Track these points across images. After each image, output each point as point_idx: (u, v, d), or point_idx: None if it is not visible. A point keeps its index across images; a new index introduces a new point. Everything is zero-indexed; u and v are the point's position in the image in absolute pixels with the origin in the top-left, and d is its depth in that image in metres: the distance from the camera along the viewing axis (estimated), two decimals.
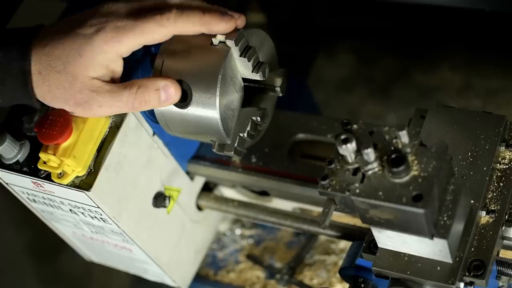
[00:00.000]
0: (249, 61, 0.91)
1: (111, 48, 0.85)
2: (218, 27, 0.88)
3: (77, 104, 0.87)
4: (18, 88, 0.87)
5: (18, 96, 0.89)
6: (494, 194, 0.87)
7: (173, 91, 0.88)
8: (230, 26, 0.88)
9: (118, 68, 0.88)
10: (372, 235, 0.84)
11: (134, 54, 0.92)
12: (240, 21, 0.90)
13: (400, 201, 0.75)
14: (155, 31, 0.86)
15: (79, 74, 0.85)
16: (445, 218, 0.78)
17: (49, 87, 0.87)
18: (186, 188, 1.13)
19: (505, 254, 0.91)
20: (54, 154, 0.91)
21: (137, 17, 0.86)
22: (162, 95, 0.88)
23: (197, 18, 0.87)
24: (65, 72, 0.85)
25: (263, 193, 1.18)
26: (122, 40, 0.85)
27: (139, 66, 0.96)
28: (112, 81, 0.88)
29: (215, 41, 0.91)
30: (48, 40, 0.87)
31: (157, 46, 0.96)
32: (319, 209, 1.13)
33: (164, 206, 1.06)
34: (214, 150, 0.95)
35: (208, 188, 1.19)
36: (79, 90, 0.86)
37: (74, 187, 0.93)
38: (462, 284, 0.82)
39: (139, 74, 0.96)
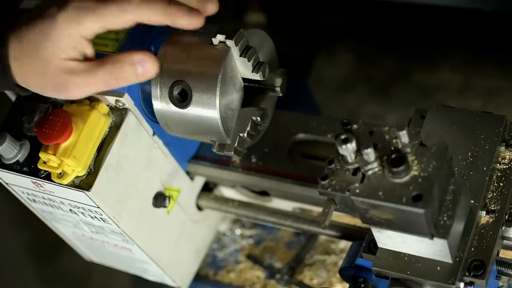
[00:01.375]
0: (249, 61, 0.91)
1: (73, 30, 0.83)
2: (182, 21, 0.85)
3: (54, 87, 0.86)
4: None
5: (0, 83, 0.88)
6: (494, 194, 0.87)
7: (150, 65, 0.85)
8: (196, 22, 0.85)
9: (87, 49, 0.85)
10: (372, 235, 0.84)
11: None
12: (211, 6, 0.87)
13: (400, 201, 0.75)
14: (116, 15, 0.83)
15: (50, 58, 0.84)
16: (445, 218, 0.78)
17: (26, 73, 0.86)
18: (186, 188, 1.13)
19: (505, 254, 0.91)
20: (54, 154, 0.91)
21: (99, 0, 0.83)
22: (139, 69, 0.85)
23: (161, 9, 0.84)
24: (36, 56, 0.84)
25: (263, 193, 1.18)
26: (82, 22, 0.83)
27: None
28: (87, 59, 0.86)
29: (215, 41, 0.91)
30: (22, 24, 0.85)
31: (157, 46, 0.96)
32: (319, 209, 1.13)
33: (164, 206, 1.06)
34: (214, 150, 0.95)
35: (208, 188, 1.19)
36: (53, 74, 0.85)
37: (74, 187, 0.93)
38: (462, 284, 0.82)
39: None
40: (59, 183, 0.93)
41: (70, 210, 1.01)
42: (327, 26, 1.83)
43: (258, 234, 1.28)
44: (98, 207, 0.96)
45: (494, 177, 0.88)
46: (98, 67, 0.84)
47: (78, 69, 0.84)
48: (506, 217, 0.86)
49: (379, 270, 0.84)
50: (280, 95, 0.99)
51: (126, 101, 0.95)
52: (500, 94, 1.60)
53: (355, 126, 0.81)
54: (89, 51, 0.85)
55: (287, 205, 1.17)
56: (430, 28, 1.68)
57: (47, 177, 0.94)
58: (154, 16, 0.84)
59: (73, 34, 0.83)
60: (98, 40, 0.99)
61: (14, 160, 0.96)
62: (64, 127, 0.90)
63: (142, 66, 0.85)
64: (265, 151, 1.11)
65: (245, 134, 0.94)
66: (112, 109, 0.96)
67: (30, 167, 0.96)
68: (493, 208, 0.85)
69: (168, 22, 0.85)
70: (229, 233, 1.29)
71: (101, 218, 1.00)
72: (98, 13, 0.82)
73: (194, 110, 0.92)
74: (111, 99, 0.95)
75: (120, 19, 0.83)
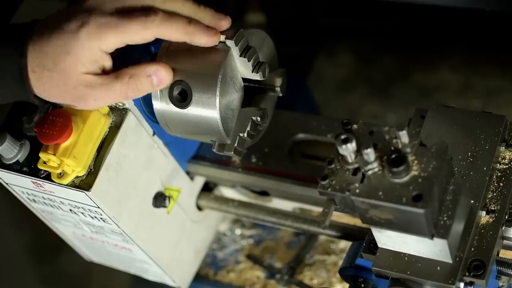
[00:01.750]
0: (249, 61, 0.91)
1: (95, 45, 0.85)
2: (201, 40, 0.88)
3: (73, 100, 0.88)
4: (17, 86, 0.88)
5: (18, 93, 0.89)
6: (494, 194, 0.87)
7: (164, 74, 0.88)
8: (213, 40, 0.89)
9: (106, 62, 0.87)
10: (372, 235, 0.84)
11: (133, 54, 0.92)
12: (224, 22, 0.90)
13: (400, 201, 0.75)
14: (138, 32, 0.85)
15: (71, 71, 0.85)
16: (445, 218, 0.78)
17: (44, 85, 0.87)
18: (186, 188, 1.13)
19: (505, 254, 0.91)
20: (54, 154, 0.91)
21: (121, 16, 0.85)
22: (154, 80, 0.88)
23: (182, 27, 0.87)
24: (56, 70, 0.86)
25: (263, 193, 1.18)
26: (103, 37, 0.84)
27: None
28: (104, 72, 0.88)
29: None
30: (39, 36, 0.86)
31: (157, 46, 0.96)
32: (319, 209, 1.13)
33: (164, 206, 1.06)
34: (214, 150, 0.95)
35: (208, 188, 1.19)
36: (73, 87, 0.86)
37: (74, 187, 0.93)
38: (462, 284, 0.82)
39: None
40: (59, 183, 0.93)
41: (70, 210, 1.01)
42: (327, 26, 1.83)
43: (258, 234, 1.28)
44: (98, 207, 0.96)
45: (494, 177, 0.88)
46: (115, 81, 0.87)
47: (97, 83, 0.86)
48: (506, 217, 0.86)
49: (379, 270, 0.84)
50: (280, 95, 0.99)
51: (126, 101, 0.95)
52: (500, 94, 1.60)
53: (355, 126, 0.81)
54: (108, 64, 0.87)
55: (287, 205, 1.17)
56: (430, 28, 1.68)
57: (47, 177, 0.94)
58: (175, 34, 0.86)
59: (94, 48, 0.84)
60: None
61: (14, 160, 0.96)
62: (64, 127, 0.90)
63: (157, 76, 0.88)
64: (265, 151, 1.10)
65: (245, 134, 0.94)
66: (112, 109, 0.96)
67: (30, 167, 0.96)
68: (493, 208, 0.85)
69: (187, 40, 0.88)
70: (229, 233, 1.29)
71: (101, 218, 1.00)
72: (120, 30, 0.84)
73: (194, 110, 0.92)
74: None
75: (141, 36, 0.85)
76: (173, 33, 0.86)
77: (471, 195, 0.84)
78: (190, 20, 0.87)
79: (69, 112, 0.92)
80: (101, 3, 0.86)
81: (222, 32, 0.90)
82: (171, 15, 0.86)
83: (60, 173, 0.93)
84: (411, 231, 0.78)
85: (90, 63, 0.85)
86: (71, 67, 0.85)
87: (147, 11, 0.85)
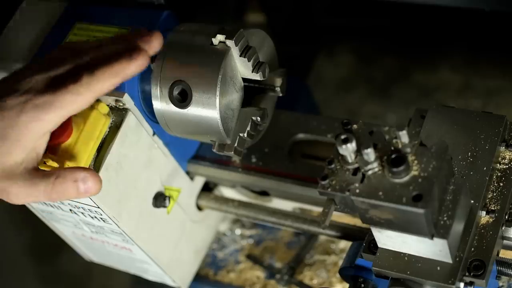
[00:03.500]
0: (249, 61, 0.91)
1: (34, 128, 0.81)
2: (130, 70, 0.83)
3: None
4: None
5: None
6: (494, 194, 0.87)
7: (92, 184, 0.84)
8: (142, 63, 0.83)
9: (42, 145, 0.83)
10: (372, 235, 0.84)
11: None
12: (155, 40, 0.86)
13: (400, 201, 0.75)
14: (74, 102, 0.81)
15: (1, 160, 0.81)
16: (445, 218, 0.78)
17: None
18: (186, 188, 1.13)
19: (505, 254, 0.91)
20: (54, 154, 0.91)
21: (55, 90, 0.80)
22: (81, 186, 0.83)
23: (107, 73, 0.81)
24: None
25: (263, 193, 1.18)
26: (44, 118, 0.80)
27: None
28: (33, 164, 0.84)
29: (215, 41, 0.91)
30: None
31: None
32: (319, 209, 1.13)
33: (164, 206, 1.06)
34: (214, 150, 0.95)
35: (208, 188, 1.19)
36: None
37: None
38: (462, 284, 0.82)
39: (140, 74, 0.96)
40: None
41: (70, 210, 1.01)
42: (327, 26, 1.83)
43: (258, 234, 1.28)
44: (98, 207, 0.96)
45: (494, 177, 0.88)
46: (40, 180, 0.83)
47: (22, 178, 0.82)
48: (506, 217, 0.86)
49: (379, 270, 0.84)
50: (280, 95, 0.99)
51: (126, 101, 0.95)
52: (500, 94, 1.60)
53: (355, 126, 0.81)
54: (43, 146, 0.83)
55: (287, 205, 1.17)
56: (430, 28, 1.68)
57: None
58: (108, 84, 0.82)
59: (33, 131, 0.81)
60: (100, 36, 1.00)
61: None
62: (64, 127, 0.90)
63: (84, 183, 0.84)
64: (265, 151, 1.11)
65: (245, 134, 0.94)
66: (112, 109, 0.96)
67: None
68: (493, 208, 0.85)
69: (120, 80, 0.83)
70: (229, 233, 1.29)
71: (101, 218, 1.00)
72: (57, 106, 0.80)
73: (194, 110, 0.92)
74: (111, 99, 0.95)
75: (79, 104, 0.81)
76: (106, 84, 0.81)
77: (471, 195, 0.84)
78: (111, 60, 0.82)
79: None
80: (35, 82, 0.82)
81: (222, 32, 0.90)
82: (95, 66, 0.82)
83: None
84: (411, 231, 0.78)
85: (25, 150, 0.81)
86: (3, 156, 0.81)
87: (74, 75, 0.81)
